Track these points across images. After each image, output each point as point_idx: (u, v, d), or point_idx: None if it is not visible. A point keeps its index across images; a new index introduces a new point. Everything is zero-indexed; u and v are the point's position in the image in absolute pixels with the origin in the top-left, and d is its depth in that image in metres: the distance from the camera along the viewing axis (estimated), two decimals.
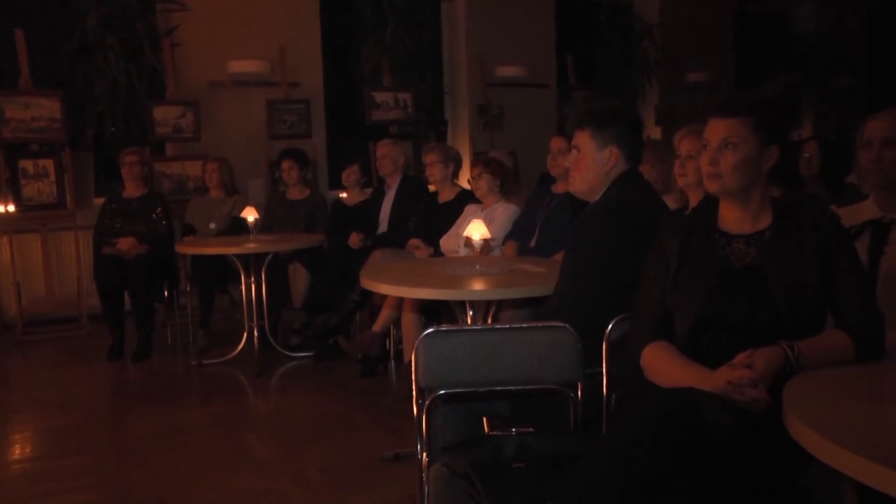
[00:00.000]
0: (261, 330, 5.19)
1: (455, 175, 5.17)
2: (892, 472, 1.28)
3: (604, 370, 2.29)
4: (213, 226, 5.82)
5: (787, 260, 1.96)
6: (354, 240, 5.38)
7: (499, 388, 2.26)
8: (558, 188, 4.23)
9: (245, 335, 5.20)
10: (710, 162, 2.02)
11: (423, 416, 2.19)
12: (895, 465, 1.29)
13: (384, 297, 4.48)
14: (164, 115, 6.56)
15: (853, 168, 2.55)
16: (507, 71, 7.65)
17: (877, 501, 1.55)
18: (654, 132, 8.16)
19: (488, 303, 3.25)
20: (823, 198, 4.02)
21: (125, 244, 5.43)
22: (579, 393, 2.20)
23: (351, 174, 5.83)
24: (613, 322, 2.29)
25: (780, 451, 1.69)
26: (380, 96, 7.31)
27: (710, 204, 2.15)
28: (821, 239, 1.95)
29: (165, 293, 5.73)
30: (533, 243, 4.16)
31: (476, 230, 3.38)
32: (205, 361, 5.20)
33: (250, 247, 4.97)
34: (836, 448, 1.39)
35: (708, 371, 1.86)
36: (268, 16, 6.96)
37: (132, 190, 5.77)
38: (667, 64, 8.32)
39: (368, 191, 5.92)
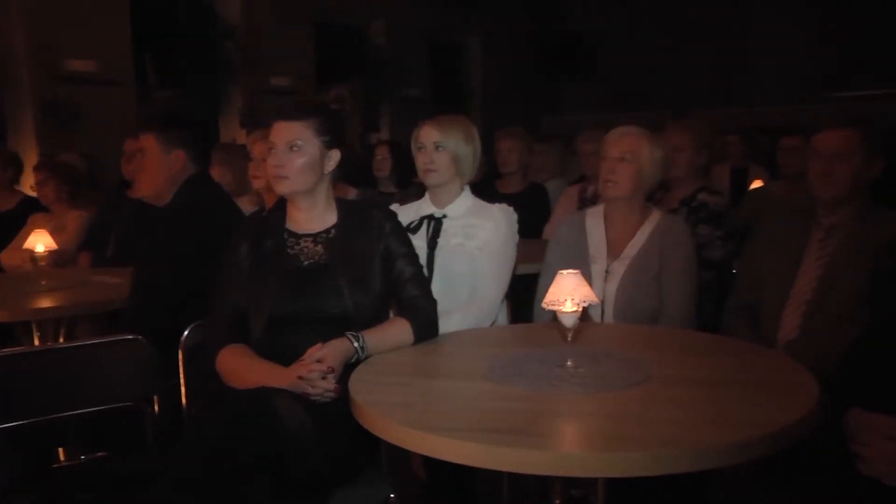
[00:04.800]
0: None
1: (16, 181, 4.69)
2: (436, 438, 1.44)
3: (181, 379, 2.22)
4: None
5: (352, 256, 2.08)
6: None
7: (67, 413, 2.08)
8: (135, 193, 4.02)
9: None
10: (276, 164, 2.06)
11: None
12: (439, 432, 1.45)
13: None
14: None
15: None
16: (77, 65, 7.02)
17: (441, 467, 1.72)
18: (239, 135, 8.14)
19: (58, 321, 2.98)
20: (394, 196, 4.35)
21: None
22: (156, 407, 2.11)
23: None
24: (189, 329, 2.23)
25: (353, 435, 1.78)
26: None
27: (280, 205, 2.21)
28: (381, 235, 2.11)
29: None
30: (109, 252, 3.91)
31: (39, 241, 3.08)
32: None
33: None
34: (391, 423, 1.52)
35: (281, 368, 1.91)
36: None
37: None
38: (251, 67, 8.36)
39: None
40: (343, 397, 1.79)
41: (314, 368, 1.84)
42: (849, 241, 2.40)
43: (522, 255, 2.68)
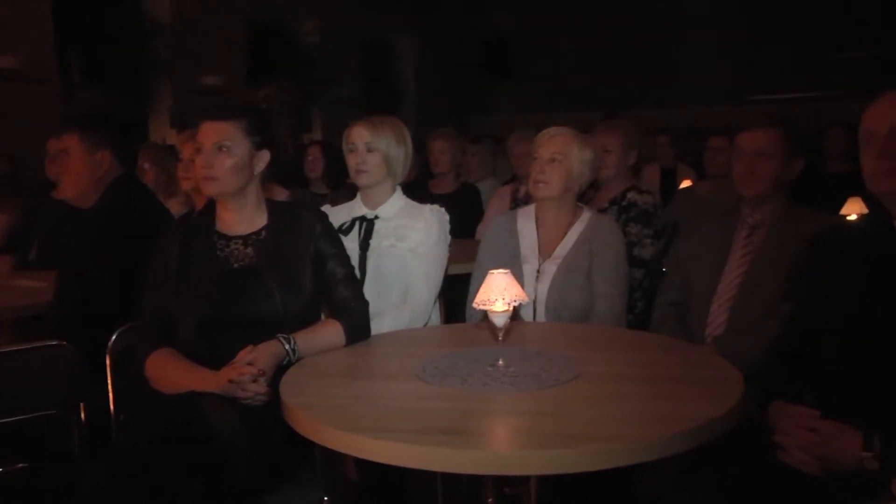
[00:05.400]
0: None
1: None
2: (368, 440, 1.44)
3: (109, 386, 2.17)
4: None
5: (283, 257, 2.06)
6: None
7: None
8: (59, 194, 3.90)
9: None
10: (204, 165, 2.03)
11: None
12: (371, 433, 1.44)
13: None
14: None
15: None
16: None
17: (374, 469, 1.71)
18: (169, 135, 7.98)
19: None
20: (326, 197, 4.31)
21: None
22: (83, 414, 2.06)
23: None
24: (116, 333, 2.18)
25: (285, 438, 1.76)
26: None
27: (209, 206, 2.17)
28: (312, 236, 2.10)
29: None
30: (33, 255, 3.79)
31: None
32: None
33: None
34: (322, 426, 1.51)
35: (211, 372, 1.88)
36: None
37: None
38: (180, 65, 8.20)
39: None
40: (274, 400, 1.77)
41: (245, 371, 1.82)
42: (771, 238, 2.48)
43: (455, 256, 2.69)
